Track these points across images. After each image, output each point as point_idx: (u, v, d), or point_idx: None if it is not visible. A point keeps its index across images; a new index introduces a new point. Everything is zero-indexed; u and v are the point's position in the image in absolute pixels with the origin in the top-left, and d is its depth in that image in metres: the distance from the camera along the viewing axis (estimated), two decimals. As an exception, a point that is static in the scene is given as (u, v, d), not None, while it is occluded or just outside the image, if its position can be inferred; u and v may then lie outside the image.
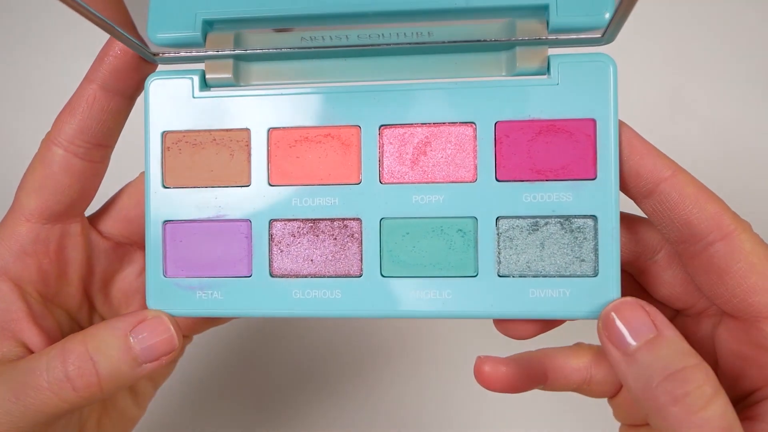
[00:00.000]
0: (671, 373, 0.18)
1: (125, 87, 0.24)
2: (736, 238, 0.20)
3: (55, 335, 0.24)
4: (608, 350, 0.20)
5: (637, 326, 0.20)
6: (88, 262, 0.26)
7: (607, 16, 0.21)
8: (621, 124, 0.22)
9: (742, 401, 0.21)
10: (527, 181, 0.22)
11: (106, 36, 0.23)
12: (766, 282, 0.20)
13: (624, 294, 0.22)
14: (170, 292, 0.24)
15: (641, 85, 0.39)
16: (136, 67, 0.24)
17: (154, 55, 0.24)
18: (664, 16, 0.40)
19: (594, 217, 0.22)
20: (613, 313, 0.20)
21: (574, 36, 0.22)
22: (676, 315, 0.24)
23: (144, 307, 0.27)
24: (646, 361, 0.19)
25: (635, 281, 0.24)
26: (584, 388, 0.24)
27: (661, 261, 0.23)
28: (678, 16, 0.40)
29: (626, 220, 0.23)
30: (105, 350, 0.22)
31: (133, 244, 0.27)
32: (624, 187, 0.22)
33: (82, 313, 0.26)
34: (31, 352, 0.23)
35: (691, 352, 0.19)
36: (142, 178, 0.26)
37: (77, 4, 0.20)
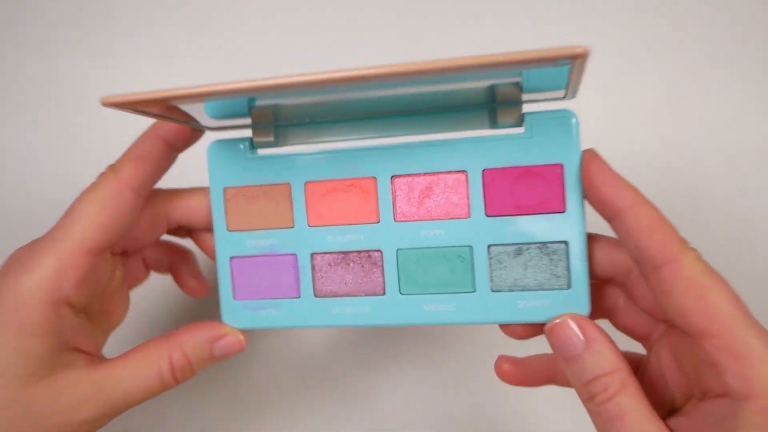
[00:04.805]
0: (588, 380, 0.25)
1: (182, 145, 0.30)
2: (678, 264, 0.23)
3: (91, 339, 0.29)
4: (554, 352, 0.27)
5: (566, 343, 0.26)
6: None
7: (561, 88, 0.26)
8: (594, 156, 0.26)
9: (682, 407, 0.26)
10: (511, 215, 0.28)
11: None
12: (700, 304, 0.22)
13: (604, 303, 0.28)
14: (239, 312, 0.31)
15: (639, 84, 0.42)
16: (192, 131, 0.30)
17: (208, 127, 0.30)
18: (663, 15, 0.41)
19: (565, 242, 0.27)
20: (551, 330, 0.26)
21: (542, 96, 0.27)
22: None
23: (123, 302, 0.33)
24: (573, 371, 0.25)
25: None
26: None
27: (634, 278, 0.27)
28: (678, 16, 0.41)
29: (605, 241, 0.27)
30: (198, 353, 0.29)
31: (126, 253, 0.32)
32: (597, 211, 0.26)
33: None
34: (88, 356, 0.28)
35: (606, 362, 0.24)
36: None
37: (166, 118, 0.26)
